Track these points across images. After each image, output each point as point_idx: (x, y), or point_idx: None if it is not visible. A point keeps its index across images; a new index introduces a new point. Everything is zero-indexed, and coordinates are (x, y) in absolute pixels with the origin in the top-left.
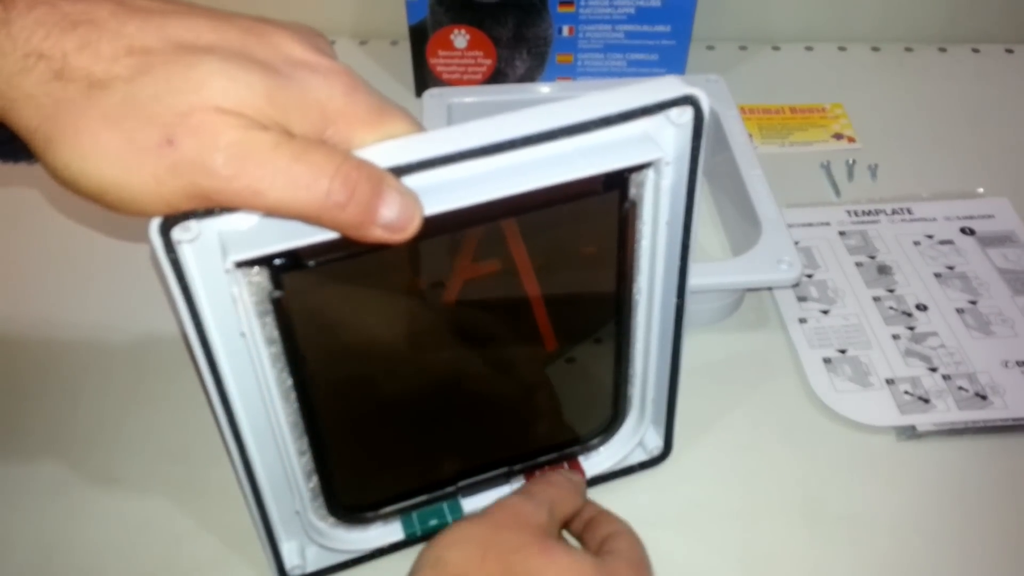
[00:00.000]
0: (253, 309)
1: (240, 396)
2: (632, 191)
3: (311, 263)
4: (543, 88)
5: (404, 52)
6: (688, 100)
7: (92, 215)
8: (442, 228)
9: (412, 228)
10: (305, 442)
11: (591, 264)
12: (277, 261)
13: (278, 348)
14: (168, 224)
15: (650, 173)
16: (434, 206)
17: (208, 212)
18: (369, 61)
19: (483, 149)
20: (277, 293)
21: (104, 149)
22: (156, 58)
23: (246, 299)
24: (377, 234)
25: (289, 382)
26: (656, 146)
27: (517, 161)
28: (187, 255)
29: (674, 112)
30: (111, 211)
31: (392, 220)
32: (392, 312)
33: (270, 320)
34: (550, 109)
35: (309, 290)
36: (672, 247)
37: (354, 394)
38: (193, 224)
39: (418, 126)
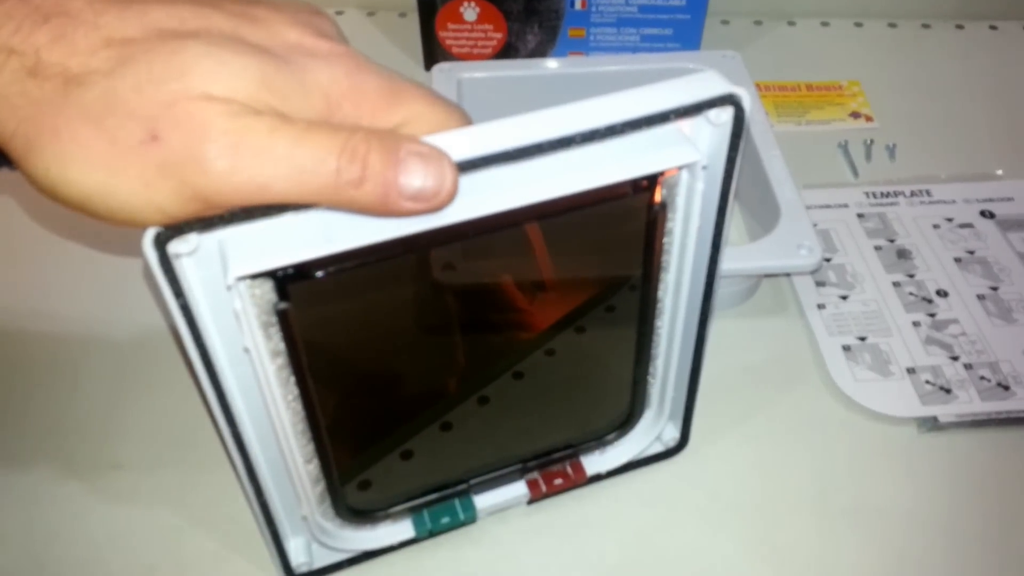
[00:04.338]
0: (256, 322)
1: (245, 409)
2: (663, 192)
3: (318, 273)
4: (555, 63)
5: (413, 24)
6: (729, 100)
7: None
8: (466, 235)
9: (446, 192)
10: (311, 449)
11: (616, 266)
12: (282, 272)
13: (283, 360)
14: (164, 236)
15: (684, 174)
16: (460, 213)
17: (208, 224)
18: (377, 33)
19: (514, 153)
20: (283, 305)
21: (85, 151)
22: (137, 48)
23: (249, 312)
24: (407, 207)
25: (295, 392)
26: (693, 148)
27: (549, 164)
28: (186, 270)
29: (713, 112)
30: (102, 222)
31: (419, 188)
32: (398, 310)
33: (275, 332)
34: (582, 108)
35: (316, 300)
36: (702, 248)
37: (362, 400)
38: (193, 237)
39: (435, 99)
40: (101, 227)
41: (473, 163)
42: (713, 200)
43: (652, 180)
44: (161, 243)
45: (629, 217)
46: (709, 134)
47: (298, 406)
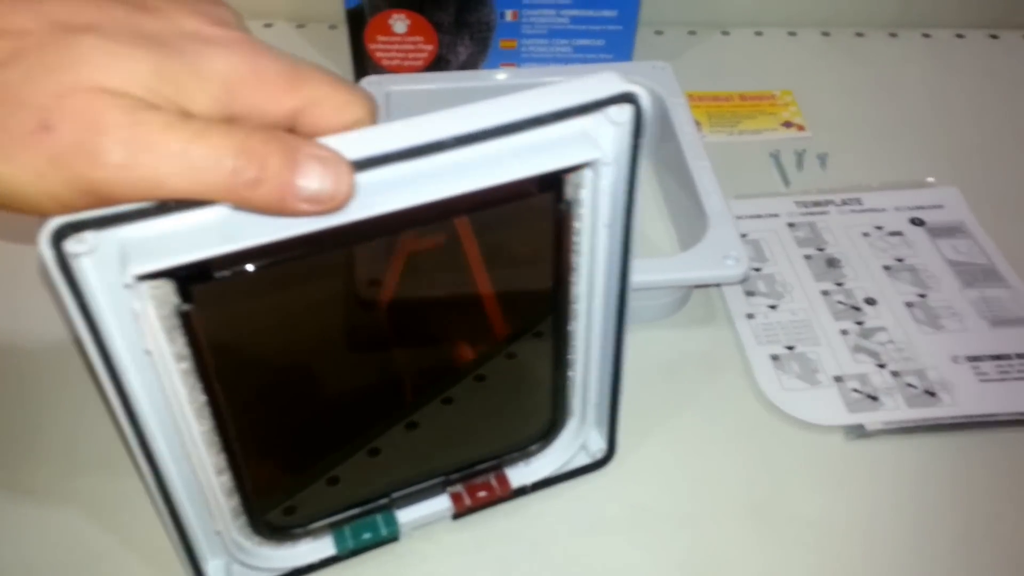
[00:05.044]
0: (160, 324)
1: (151, 417)
2: (569, 192)
3: (220, 274)
4: (486, 75)
5: (343, 36)
6: (627, 98)
7: None
8: (366, 235)
9: (342, 195)
10: (223, 459)
11: (527, 266)
12: (183, 272)
13: (189, 364)
14: (60, 235)
15: (588, 173)
16: (360, 211)
17: (105, 221)
18: (306, 46)
19: (411, 151)
20: (185, 307)
21: None
22: (30, 40)
23: (151, 314)
24: (303, 208)
25: (203, 398)
26: (594, 146)
27: (448, 163)
28: (85, 269)
29: (613, 110)
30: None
31: (316, 191)
32: (315, 320)
33: (179, 335)
34: (481, 108)
35: (221, 302)
36: (612, 248)
37: (275, 408)
38: (90, 235)
39: (338, 81)
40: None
41: (372, 161)
42: (620, 199)
43: (557, 179)
44: (57, 242)
45: (540, 220)
46: (610, 133)
47: (206, 413)
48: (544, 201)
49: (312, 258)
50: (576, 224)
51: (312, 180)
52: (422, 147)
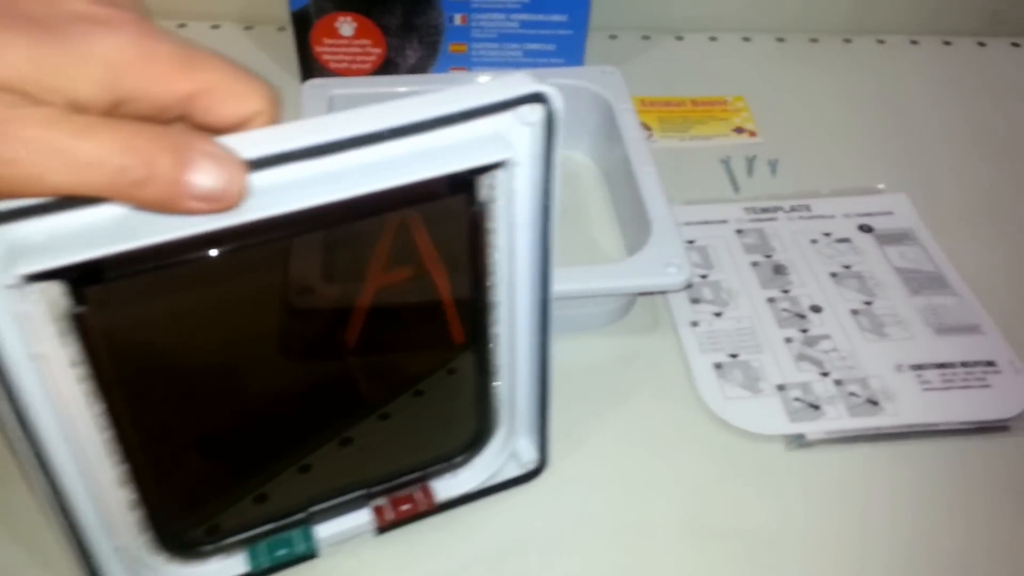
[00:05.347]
0: (52, 327)
1: (43, 424)
2: (483, 193)
3: (114, 275)
4: (430, 79)
5: (292, 39)
6: (537, 98)
7: None
8: (270, 235)
9: (234, 194)
10: (125, 470)
11: (454, 274)
12: (74, 273)
13: (84, 370)
14: None
15: (501, 174)
16: (255, 211)
17: None
18: (254, 48)
19: (311, 150)
20: (79, 309)
21: None
22: None
23: (40, 317)
24: (194, 207)
25: (100, 406)
26: (504, 146)
27: (352, 163)
28: None
29: (525, 110)
30: None
31: (207, 189)
32: (231, 329)
33: (73, 339)
34: (388, 107)
35: (118, 304)
36: (532, 251)
37: (185, 420)
38: None
39: (235, 69)
40: None
41: (268, 160)
42: (537, 200)
43: (468, 180)
44: None
45: (453, 223)
46: (523, 134)
47: (105, 422)
48: (458, 203)
49: (218, 260)
50: (491, 225)
51: (203, 178)
52: (322, 146)
